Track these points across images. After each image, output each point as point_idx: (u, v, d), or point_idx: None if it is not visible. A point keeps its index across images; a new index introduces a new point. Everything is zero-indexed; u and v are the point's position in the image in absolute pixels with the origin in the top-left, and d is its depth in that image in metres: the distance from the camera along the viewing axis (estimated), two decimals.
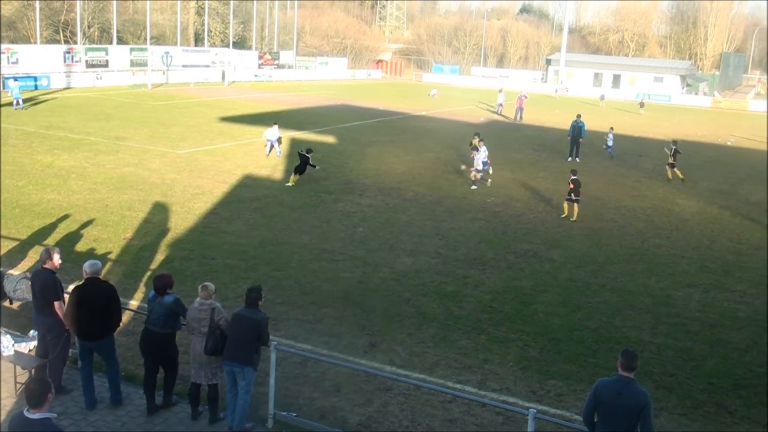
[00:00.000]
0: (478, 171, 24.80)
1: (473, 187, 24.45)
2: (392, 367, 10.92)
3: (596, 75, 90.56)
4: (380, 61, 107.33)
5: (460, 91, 77.76)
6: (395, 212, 20.87)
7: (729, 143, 44.33)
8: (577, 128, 32.68)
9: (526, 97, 51.67)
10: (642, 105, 65.92)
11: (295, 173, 23.59)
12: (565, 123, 40.75)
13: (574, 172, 21.97)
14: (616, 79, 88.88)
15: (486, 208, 22.11)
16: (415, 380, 10.24)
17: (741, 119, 64.32)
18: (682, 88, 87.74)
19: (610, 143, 33.89)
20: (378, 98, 60.97)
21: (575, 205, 21.33)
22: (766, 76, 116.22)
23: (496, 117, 52.28)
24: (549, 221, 21.01)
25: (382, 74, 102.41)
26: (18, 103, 37.45)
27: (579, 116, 33.62)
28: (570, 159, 32.48)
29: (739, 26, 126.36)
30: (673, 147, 28.93)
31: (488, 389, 10.49)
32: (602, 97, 68.77)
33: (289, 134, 34.41)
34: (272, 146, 28.14)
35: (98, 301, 9.02)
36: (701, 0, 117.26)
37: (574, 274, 16.18)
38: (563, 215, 21.56)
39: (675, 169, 28.60)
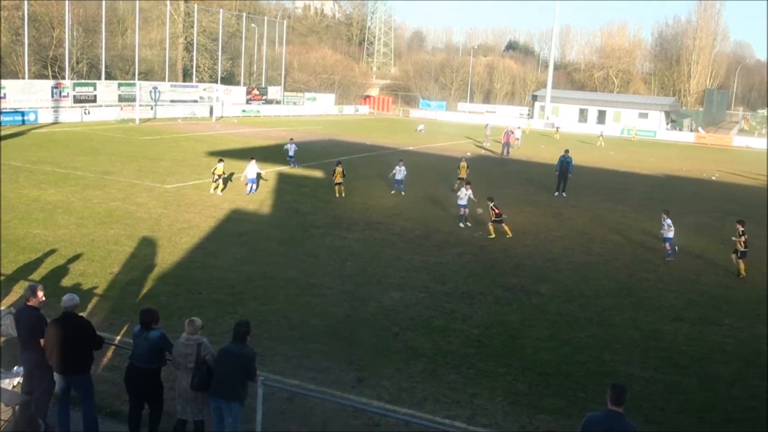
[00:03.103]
0: (464, 207, 24.69)
1: (461, 225, 24.36)
2: (380, 403, 10.83)
3: (581, 111, 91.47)
4: (368, 96, 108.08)
5: (447, 126, 78.31)
6: (383, 246, 20.87)
7: (714, 178, 44.77)
8: (565, 163, 32.94)
9: (512, 133, 52.08)
10: (601, 134, 67.94)
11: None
12: (552, 158, 41.07)
13: (491, 199, 23.65)
14: (602, 115, 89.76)
15: (473, 242, 22.15)
16: (404, 416, 10.15)
17: (725, 154, 65.06)
18: (667, 123, 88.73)
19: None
20: (365, 133, 61.30)
21: (503, 225, 23.11)
22: (749, 113, 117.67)
23: (483, 152, 52.60)
24: (536, 255, 21.07)
25: (370, 110, 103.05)
26: None
27: (567, 151, 33.90)
28: (557, 194, 32.67)
29: (722, 63, 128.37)
30: (741, 228, 20.13)
31: (477, 424, 10.41)
32: (601, 135, 68.49)
33: (276, 169, 34.52)
34: (251, 186, 27.77)
35: (73, 336, 8.92)
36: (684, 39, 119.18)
37: (561, 308, 16.19)
38: (491, 236, 22.81)
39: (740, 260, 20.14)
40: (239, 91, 75.97)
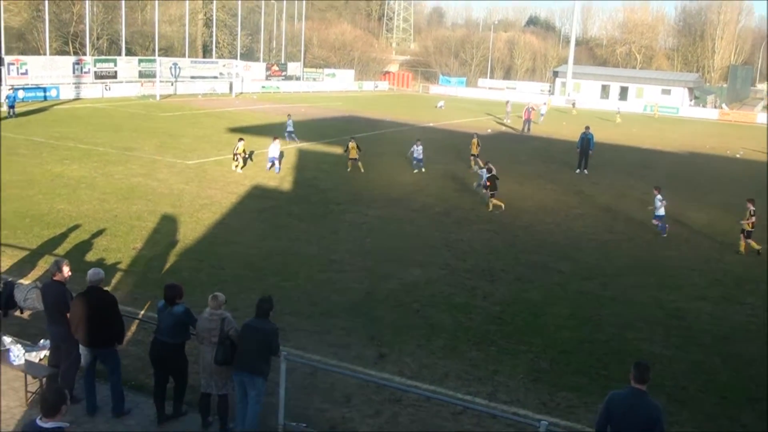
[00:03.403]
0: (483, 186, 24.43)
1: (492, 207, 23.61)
2: (402, 378, 10.88)
3: (603, 87, 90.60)
4: (387, 72, 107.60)
5: (467, 103, 77.86)
6: (403, 223, 20.87)
7: (738, 156, 44.23)
8: (586, 140, 32.64)
9: (533, 109, 51.70)
10: (618, 110, 67.66)
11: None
12: (573, 135, 40.76)
13: (489, 170, 23.64)
14: (624, 91, 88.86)
15: (494, 219, 22.06)
16: (425, 391, 10.20)
17: (750, 131, 64.15)
18: (690, 100, 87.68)
19: None
20: (385, 110, 61.10)
21: (493, 198, 23.32)
22: None
23: (503, 128, 52.30)
24: (558, 233, 20.97)
25: (389, 86, 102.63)
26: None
27: (588, 128, 33.58)
28: (578, 171, 32.44)
29: (747, 39, 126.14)
30: (752, 208, 19.96)
31: (498, 401, 10.43)
32: (618, 112, 67.98)
33: (296, 145, 34.52)
34: (273, 164, 27.56)
35: (99, 310, 9.03)
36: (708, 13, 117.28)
37: (583, 286, 16.12)
38: (490, 210, 23.14)
39: (749, 240, 20.03)
40: (259, 67, 75.90)
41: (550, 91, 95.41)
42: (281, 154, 28.33)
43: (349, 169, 28.52)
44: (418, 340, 12.40)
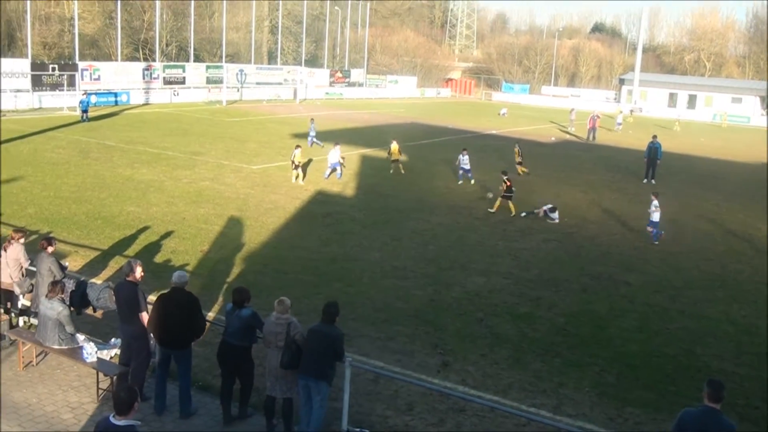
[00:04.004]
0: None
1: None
2: (465, 388, 10.81)
3: (671, 95, 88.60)
4: (450, 79, 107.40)
5: (530, 111, 77.14)
6: (466, 231, 20.77)
7: None
8: (654, 149, 31.98)
9: (598, 117, 50.91)
10: (678, 118, 66.10)
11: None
12: (639, 144, 39.97)
13: (504, 173, 23.75)
14: (692, 99, 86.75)
15: (558, 228, 21.76)
16: (489, 401, 10.10)
17: None
18: (762, 109, 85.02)
19: None
20: (447, 117, 60.96)
21: (509, 201, 23.21)
22: None
23: (567, 137, 51.63)
24: (624, 244, 20.56)
25: (452, 93, 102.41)
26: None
27: (655, 137, 32.90)
28: (645, 181, 31.78)
29: None
30: None
31: (564, 414, 10.26)
32: (678, 120, 66.56)
33: (358, 152, 34.72)
34: (333, 170, 27.24)
35: (181, 311, 9.24)
36: None
37: (651, 298, 15.76)
38: (492, 211, 23.26)
39: None
40: (322, 74, 76.67)
41: (615, 98, 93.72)
42: (342, 161, 28.06)
43: (391, 171, 28.82)
44: (482, 349, 12.31)
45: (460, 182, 28.41)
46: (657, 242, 20.70)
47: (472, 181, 28.30)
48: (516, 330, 13.30)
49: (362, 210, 22.56)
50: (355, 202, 23.73)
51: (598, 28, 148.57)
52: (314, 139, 35.75)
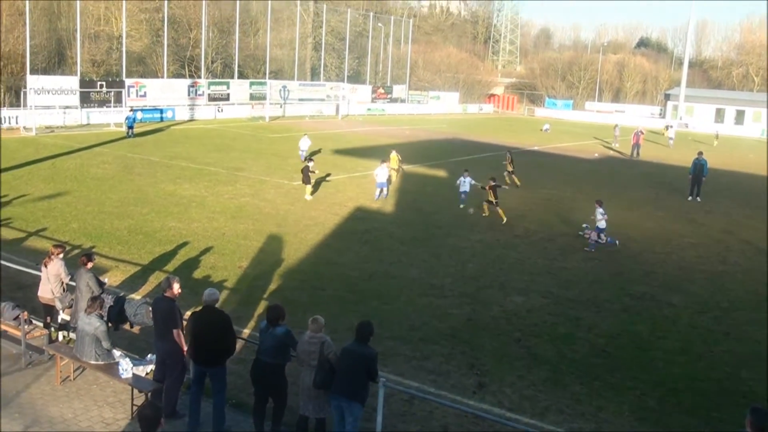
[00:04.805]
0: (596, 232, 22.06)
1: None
2: (501, 410, 10.61)
3: (718, 111, 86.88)
4: (492, 95, 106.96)
5: (573, 126, 76.40)
6: (506, 249, 20.54)
7: None
8: (699, 166, 31.32)
9: (642, 133, 50.15)
10: (717, 134, 64.31)
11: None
12: (684, 160, 39.24)
13: (493, 179, 24.72)
14: (740, 115, 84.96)
15: (599, 247, 21.37)
16: (526, 425, 9.89)
17: None
18: None
19: None
20: (489, 132, 60.68)
21: (498, 208, 24.02)
22: None
23: (611, 153, 50.95)
24: (667, 263, 20.11)
25: (494, 109, 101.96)
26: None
27: (701, 153, 32.23)
28: (690, 198, 31.13)
29: None
30: None
31: None
32: (716, 135, 64.88)
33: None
34: (381, 191, 26.57)
35: (213, 329, 9.25)
36: None
37: (694, 320, 15.36)
38: (485, 214, 24.45)
39: None
40: (365, 90, 77.02)
41: (661, 114, 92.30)
42: (389, 179, 27.69)
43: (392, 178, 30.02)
44: (519, 370, 12.10)
45: (461, 206, 25.60)
46: (593, 250, 20.69)
47: (471, 211, 25.12)
48: (555, 351, 13.05)
49: (401, 226, 22.48)
50: (394, 219, 23.67)
51: (643, 43, 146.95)
52: (304, 154, 34.16)
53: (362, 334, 8.79)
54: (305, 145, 34.99)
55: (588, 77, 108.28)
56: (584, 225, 22.83)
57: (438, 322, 14.19)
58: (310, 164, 26.24)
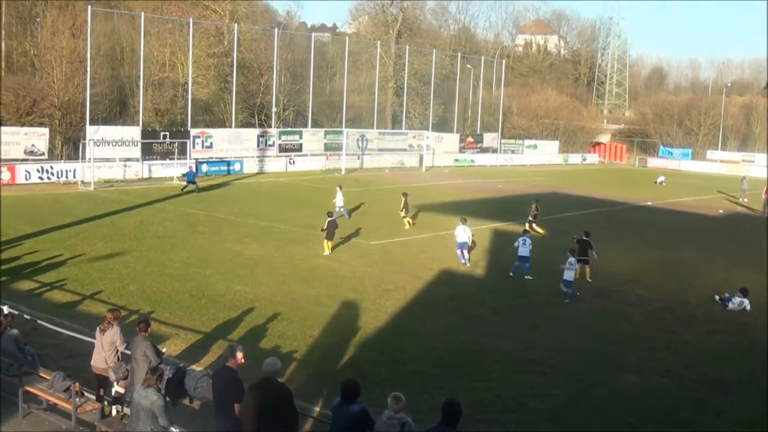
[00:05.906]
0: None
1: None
2: None
3: None
4: (597, 144, 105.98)
5: (693, 178, 74.79)
6: (616, 319, 20.08)
7: None
8: None
9: None
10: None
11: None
12: None
13: (587, 234, 24.93)
14: None
15: (729, 318, 20.60)
16: None
17: None
18: None
19: None
20: (595, 186, 59.97)
21: (586, 266, 24.17)
22: None
23: (739, 209, 49.54)
24: None
25: (599, 159, 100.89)
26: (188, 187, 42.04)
27: None
28: None
29: None
30: None
31: None
32: None
33: (489, 226, 34.51)
34: (462, 252, 26.03)
35: (272, 403, 9.20)
36: None
37: None
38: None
39: None
40: (452, 139, 77.51)
41: None
42: (473, 241, 27.03)
43: (407, 227, 32.48)
44: None
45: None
46: (569, 301, 21.37)
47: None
48: None
49: (493, 292, 22.28)
50: (484, 283, 23.49)
51: None
52: (342, 210, 34.69)
53: (451, 414, 8.61)
54: (340, 201, 35.21)
55: (709, 122, 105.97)
56: (716, 296, 22.29)
57: (537, 403, 13.91)
58: (337, 216, 28.32)
